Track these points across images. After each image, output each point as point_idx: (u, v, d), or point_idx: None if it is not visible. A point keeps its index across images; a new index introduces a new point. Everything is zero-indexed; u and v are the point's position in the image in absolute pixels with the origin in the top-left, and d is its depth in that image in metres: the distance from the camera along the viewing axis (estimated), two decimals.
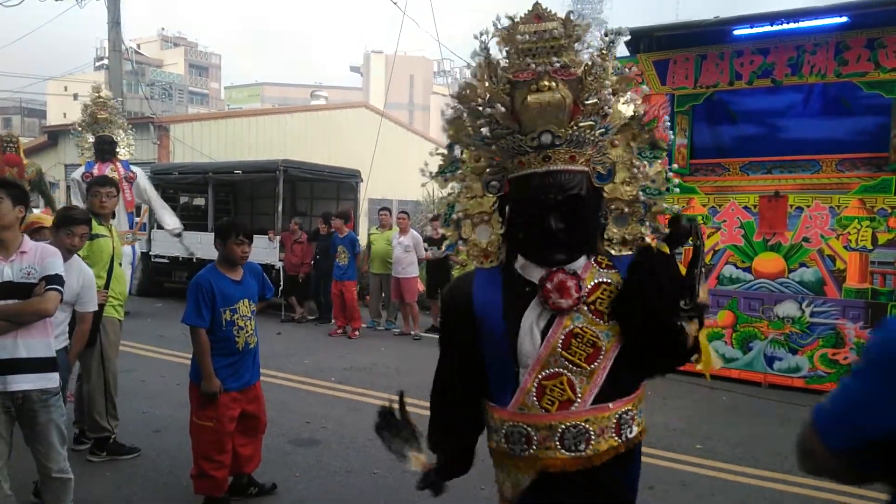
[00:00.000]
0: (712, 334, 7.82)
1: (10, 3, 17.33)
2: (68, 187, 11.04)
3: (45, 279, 3.31)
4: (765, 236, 7.73)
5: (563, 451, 1.80)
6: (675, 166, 2.16)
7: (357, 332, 10.19)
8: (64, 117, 35.02)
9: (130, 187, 9.16)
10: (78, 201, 8.52)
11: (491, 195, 1.95)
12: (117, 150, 9.30)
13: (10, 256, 3.30)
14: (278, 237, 11.51)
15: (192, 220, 13.02)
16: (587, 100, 1.76)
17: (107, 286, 4.78)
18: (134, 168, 9.47)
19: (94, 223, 4.72)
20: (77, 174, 9.18)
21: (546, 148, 1.77)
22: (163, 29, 73.18)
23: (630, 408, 1.85)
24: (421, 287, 10.67)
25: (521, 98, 1.77)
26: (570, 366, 1.78)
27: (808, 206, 7.52)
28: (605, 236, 1.89)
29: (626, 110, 1.87)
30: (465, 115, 1.90)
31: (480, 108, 1.84)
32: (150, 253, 12.82)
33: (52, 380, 3.40)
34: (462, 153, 2.03)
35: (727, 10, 8.75)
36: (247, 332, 4.02)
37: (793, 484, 4.77)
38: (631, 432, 1.85)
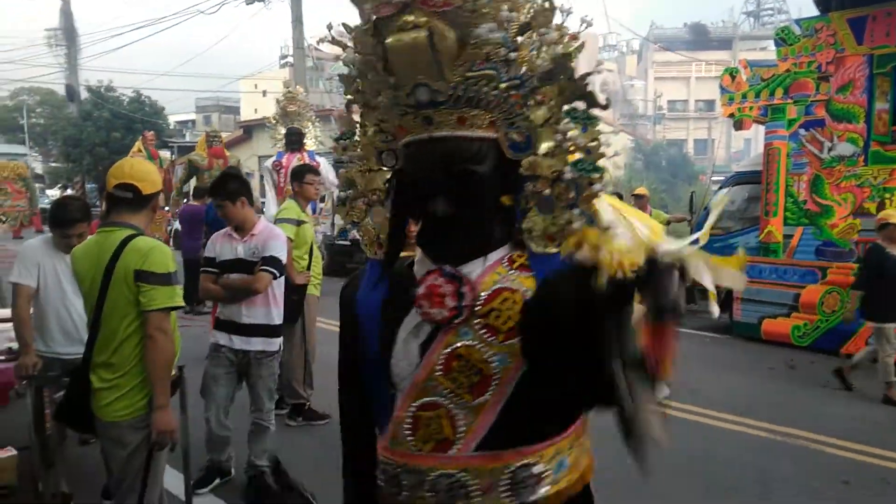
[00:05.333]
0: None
1: (209, 11, 19.19)
2: (261, 176, 12.05)
3: (263, 260, 3.86)
4: None
5: None
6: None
7: None
8: (255, 112, 38.02)
9: None
10: (270, 188, 9.29)
11: (386, 169, 1.51)
12: (305, 140, 9.97)
13: (244, 237, 3.93)
14: None
15: None
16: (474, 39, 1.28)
17: (308, 267, 5.24)
18: (318, 157, 10.13)
19: (298, 210, 5.18)
20: (268, 163, 9.98)
21: (425, 107, 1.30)
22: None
23: (536, 461, 1.34)
24: None
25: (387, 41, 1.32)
26: (452, 396, 1.33)
27: None
28: (525, 227, 1.38)
29: (546, 55, 1.34)
30: (354, 66, 1.46)
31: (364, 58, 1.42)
32: (334, 236, 13.70)
33: (271, 344, 4.02)
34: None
35: None
36: None
37: None
38: (532, 494, 1.35)
